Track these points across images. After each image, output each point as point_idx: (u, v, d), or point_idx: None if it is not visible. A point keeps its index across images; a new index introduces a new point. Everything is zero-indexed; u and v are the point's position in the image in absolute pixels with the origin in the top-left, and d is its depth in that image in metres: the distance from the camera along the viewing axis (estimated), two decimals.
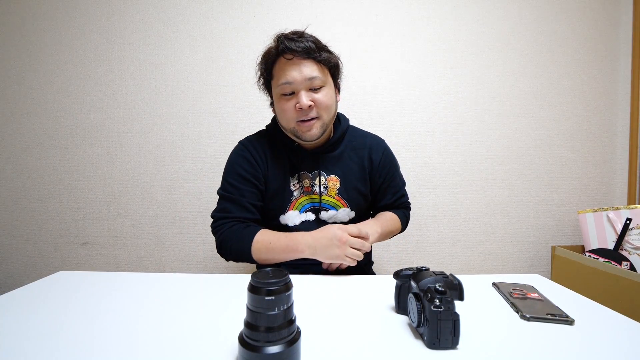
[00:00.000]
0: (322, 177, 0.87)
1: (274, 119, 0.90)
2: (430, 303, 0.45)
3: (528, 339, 0.48)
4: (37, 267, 1.49)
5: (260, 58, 0.83)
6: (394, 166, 0.96)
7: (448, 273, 0.52)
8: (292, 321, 0.41)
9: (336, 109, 0.87)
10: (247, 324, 0.40)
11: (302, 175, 0.87)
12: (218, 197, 0.86)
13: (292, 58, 0.77)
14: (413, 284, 0.52)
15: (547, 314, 0.54)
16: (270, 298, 0.39)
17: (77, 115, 1.46)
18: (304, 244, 0.74)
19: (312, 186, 0.87)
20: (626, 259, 1.22)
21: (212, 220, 0.85)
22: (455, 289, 0.51)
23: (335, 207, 0.88)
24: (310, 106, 0.78)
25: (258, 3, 1.44)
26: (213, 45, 1.45)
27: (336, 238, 0.72)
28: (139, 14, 1.44)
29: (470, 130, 1.50)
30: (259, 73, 0.85)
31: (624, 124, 1.52)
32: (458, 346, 0.46)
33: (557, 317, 0.53)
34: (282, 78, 0.78)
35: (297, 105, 0.78)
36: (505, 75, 1.49)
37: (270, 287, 0.39)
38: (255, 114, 1.45)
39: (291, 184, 0.87)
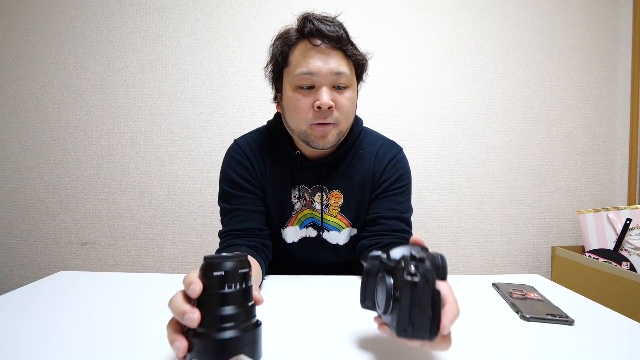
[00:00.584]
0: (323, 194, 0.75)
1: (277, 117, 0.77)
2: (403, 272, 0.33)
3: (528, 339, 0.48)
4: (37, 267, 1.49)
5: (274, 39, 0.69)
6: (402, 179, 0.77)
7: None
8: (249, 307, 0.34)
9: (354, 118, 0.75)
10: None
11: (302, 189, 0.76)
12: (219, 207, 0.77)
13: (319, 44, 0.63)
14: (385, 261, 0.38)
15: (547, 314, 0.54)
16: (220, 273, 0.32)
17: (77, 115, 1.46)
18: None
19: (312, 202, 0.76)
20: (626, 259, 1.22)
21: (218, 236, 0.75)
22: (437, 265, 0.37)
23: (337, 228, 0.77)
24: (330, 107, 0.64)
25: (258, 3, 1.44)
26: (213, 46, 1.45)
27: None
28: (139, 14, 1.44)
29: (470, 130, 1.50)
30: (269, 56, 0.70)
31: (624, 124, 1.52)
32: (454, 347, 0.46)
33: (557, 318, 0.53)
34: (303, 66, 0.64)
35: (316, 103, 0.63)
36: (506, 76, 1.49)
37: (224, 261, 0.33)
38: (255, 114, 1.45)
39: (292, 195, 0.76)
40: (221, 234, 0.73)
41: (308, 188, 0.76)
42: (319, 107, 0.64)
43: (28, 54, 1.45)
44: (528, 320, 0.54)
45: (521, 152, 1.51)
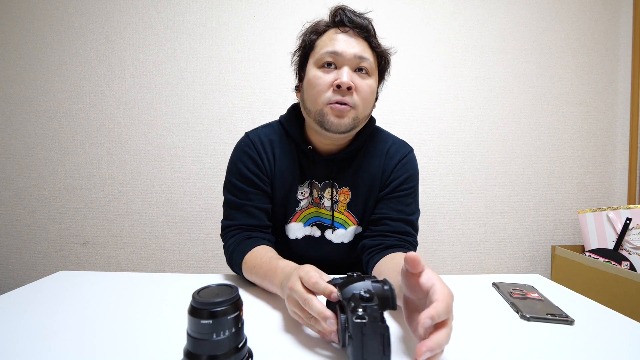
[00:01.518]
0: (334, 190, 0.74)
1: (290, 111, 0.78)
2: (353, 314, 0.36)
3: (528, 339, 0.48)
4: (37, 267, 1.49)
5: (305, 28, 0.73)
6: (410, 180, 0.77)
7: (382, 278, 0.42)
8: (239, 348, 0.36)
9: (371, 113, 0.75)
10: (187, 354, 0.34)
11: (312, 184, 0.75)
12: (223, 197, 0.77)
13: (346, 31, 0.67)
14: (340, 298, 0.41)
15: (547, 314, 0.54)
16: (209, 322, 0.33)
17: (77, 115, 1.46)
18: (278, 282, 0.56)
19: (321, 198, 0.75)
20: (626, 259, 1.22)
21: (220, 227, 0.76)
22: (385, 297, 0.40)
23: (344, 226, 0.77)
24: (349, 88, 0.64)
25: (258, 3, 1.44)
26: (213, 45, 1.45)
27: (289, 295, 0.49)
28: (139, 14, 1.44)
29: (470, 130, 1.50)
30: (299, 42, 0.73)
31: (624, 124, 1.52)
32: (454, 347, 0.46)
33: (557, 317, 0.53)
34: (329, 46, 0.66)
35: (337, 81, 0.64)
36: (506, 75, 1.49)
37: (214, 308, 0.33)
38: (255, 114, 1.45)
39: (299, 192, 0.76)
40: (228, 226, 0.73)
41: (318, 183, 0.75)
42: (338, 86, 0.64)
43: (28, 54, 1.45)
44: (528, 320, 0.54)
45: (521, 151, 1.51)
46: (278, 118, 0.80)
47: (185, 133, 1.46)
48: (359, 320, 0.35)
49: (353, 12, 0.69)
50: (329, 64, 0.67)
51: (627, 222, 1.24)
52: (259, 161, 0.74)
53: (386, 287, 0.41)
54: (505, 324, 0.53)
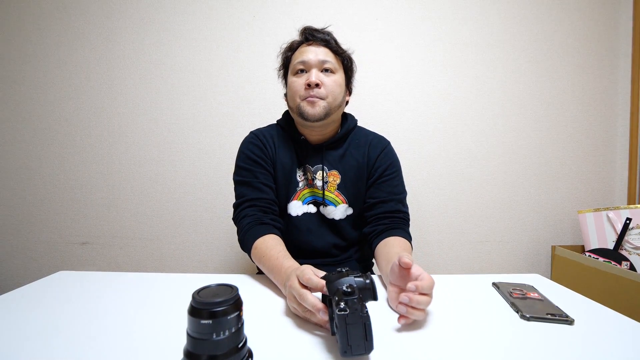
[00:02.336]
0: (324, 172, 0.89)
1: (285, 114, 0.95)
2: (336, 307, 0.41)
3: (528, 339, 0.48)
4: (37, 267, 1.49)
5: (283, 47, 0.92)
6: (393, 166, 0.93)
7: (366, 273, 0.49)
8: (240, 347, 0.36)
9: (343, 101, 0.90)
10: (187, 354, 0.35)
11: (306, 169, 0.90)
12: (234, 184, 0.90)
13: (311, 43, 0.86)
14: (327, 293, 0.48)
15: (547, 314, 0.54)
16: (209, 322, 0.33)
17: (77, 115, 1.46)
18: (282, 281, 0.64)
19: (314, 179, 0.90)
20: (626, 259, 1.22)
21: (233, 210, 0.87)
22: (367, 289, 0.46)
23: (334, 203, 0.90)
24: (317, 85, 0.82)
25: (258, 3, 1.44)
26: (213, 45, 1.45)
27: (288, 292, 0.57)
28: (139, 14, 1.44)
29: (470, 130, 1.50)
30: (280, 60, 0.93)
31: (624, 124, 1.52)
32: (454, 346, 0.46)
33: (557, 317, 0.53)
34: (299, 58, 0.86)
35: (306, 81, 0.82)
36: (506, 75, 1.49)
37: (214, 308, 0.34)
38: (255, 114, 1.45)
39: (297, 174, 0.90)
40: (240, 203, 0.85)
41: (311, 167, 0.90)
42: (309, 85, 0.82)
43: (28, 54, 1.45)
44: (528, 319, 0.54)
45: (521, 152, 1.51)
46: (276, 122, 0.97)
47: (185, 133, 1.46)
48: (341, 312, 0.40)
49: (315, 29, 0.87)
50: (301, 71, 0.85)
51: (627, 222, 1.24)
52: (263, 148, 0.90)
53: (367, 281, 0.47)
54: (505, 324, 0.53)
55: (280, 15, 1.45)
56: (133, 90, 1.45)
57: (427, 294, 0.52)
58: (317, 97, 0.82)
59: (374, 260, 1.01)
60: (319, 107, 0.82)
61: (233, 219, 0.87)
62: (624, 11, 1.50)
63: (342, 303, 0.41)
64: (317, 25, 0.91)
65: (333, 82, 0.85)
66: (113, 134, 1.46)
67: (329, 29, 0.90)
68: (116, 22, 1.44)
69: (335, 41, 0.88)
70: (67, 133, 1.46)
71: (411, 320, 0.51)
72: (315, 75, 0.82)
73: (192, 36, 1.44)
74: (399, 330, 0.51)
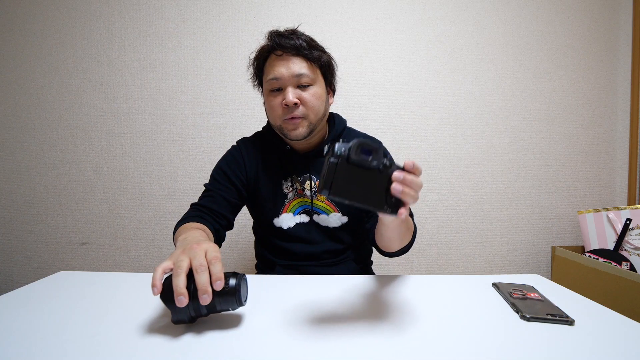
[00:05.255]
0: (311, 182, 0.85)
1: (269, 123, 0.90)
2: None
3: (528, 339, 0.48)
4: (37, 267, 1.49)
5: (252, 55, 0.84)
6: None
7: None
8: None
9: (326, 110, 0.84)
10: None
11: (293, 179, 0.87)
12: None
13: (281, 54, 0.77)
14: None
15: (547, 314, 0.54)
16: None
17: (77, 115, 1.46)
18: (180, 244, 0.58)
19: (303, 189, 0.86)
20: (626, 260, 1.22)
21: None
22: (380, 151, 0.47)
23: (325, 212, 0.87)
24: (296, 104, 0.76)
25: (258, 3, 1.44)
26: (213, 46, 1.45)
27: (199, 242, 0.53)
28: (139, 14, 1.44)
29: (470, 131, 1.50)
30: (251, 70, 0.85)
31: (624, 124, 1.52)
32: (454, 346, 0.46)
33: (557, 318, 0.53)
34: (270, 73, 0.78)
35: (283, 102, 0.76)
36: (505, 76, 1.49)
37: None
38: (255, 114, 1.45)
39: (284, 186, 0.87)
40: (192, 205, 0.83)
41: (299, 177, 0.86)
42: (286, 105, 0.77)
43: (28, 54, 1.45)
44: (528, 320, 0.54)
45: (521, 152, 1.51)
46: (261, 129, 0.94)
47: (186, 133, 1.46)
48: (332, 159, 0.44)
49: (283, 35, 0.77)
50: (276, 89, 0.78)
51: (627, 222, 1.24)
52: (241, 162, 0.86)
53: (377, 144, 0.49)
54: (505, 324, 0.53)
55: (281, 15, 1.45)
56: (133, 90, 1.45)
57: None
58: (298, 117, 0.77)
59: (372, 259, 1.01)
60: (302, 128, 0.78)
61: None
62: (624, 11, 1.50)
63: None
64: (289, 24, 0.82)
65: (312, 95, 0.78)
66: (113, 134, 1.46)
67: (300, 28, 0.80)
68: (116, 22, 1.44)
69: (309, 44, 0.78)
70: (67, 133, 1.47)
71: (407, 209, 0.48)
72: (292, 94, 0.76)
73: (192, 36, 1.44)
74: (399, 330, 0.51)
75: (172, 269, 0.48)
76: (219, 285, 0.46)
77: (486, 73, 1.49)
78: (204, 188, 0.87)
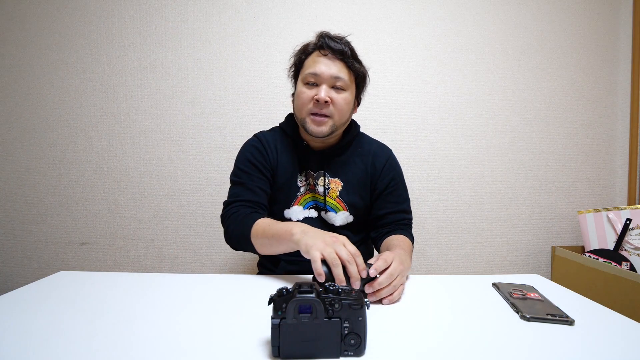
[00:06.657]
0: (325, 178, 0.89)
1: (288, 118, 0.95)
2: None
3: (528, 339, 0.48)
4: (37, 267, 1.49)
5: (297, 48, 0.89)
6: (397, 176, 0.95)
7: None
8: None
9: (349, 118, 0.90)
10: None
11: (308, 174, 0.90)
12: (230, 184, 0.89)
13: (326, 54, 0.82)
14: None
15: (547, 314, 0.54)
16: None
17: (77, 115, 1.46)
18: (297, 227, 0.69)
19: (316, 185, 0.90)
20: (626, 260, 1.22)
21: (222, 208, 0.87)
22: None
23: (335, 210, 0.90)
24: (327, 102, 0.80)
25: (258, 3, 1.44)
26: (213, 46, 1.45)
27: (332, 235, 0.66)
28: (139, 14, 1.44)
29: (470, 131, 1.50)
30: (292, 61, 0.90)
31: (624, 125, 1.52)
32: (454, 346, 0.46)
33: (557, 318, 0.53)
34: (311, 68, 0.82)
35: (316, 97, 0.80)
36: (506, 76, 1.49)
37: None
38: (255, 114, 1.45)
39: (298, 180, 0.90)
40: (231, 202, 0.84)
41: (313, 173, 0.90)
42: (317, 100, 0.80)
43: (28, 53, 1.45)
44: (528, 320, 0.54)
45: (521, 152, 1.51)
46: (278, 125, 0.97)
47: (186, 133, 1.46)
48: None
49: (333, 38, 0.83)
50: (311, 83, 0.83)
51: (627, 222, 1.24)
52: (264, 153, 0.89)
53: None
54: (505, 324, 0.53)
55: (281, 15, 1.45)
56: (133, 90, 1.45)
57: (387, 268, 0.61)
58: (324, 115, 0.82)
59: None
60: (325, 127, 0.83)
61: (222, 215, 0.85)
62: (624, 11, 1.50)
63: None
64: (334, 29, 0.85)
65: (342, 99, 0.83)
66: (113, 134, 1.46)
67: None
68: (116, 22, 1.44)
69: (353, 53, 0.84)
70: (67, 133, 1.46)
71: (395, 298, 0.61)
72: (325, 92, 0.80)
73: (192, 36, 1.44)
74: (399, 330, 0.51)
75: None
76: (365, 274, 0.60)
77: (486, 73, 1.49)
78: (232, 181, 0.88)
